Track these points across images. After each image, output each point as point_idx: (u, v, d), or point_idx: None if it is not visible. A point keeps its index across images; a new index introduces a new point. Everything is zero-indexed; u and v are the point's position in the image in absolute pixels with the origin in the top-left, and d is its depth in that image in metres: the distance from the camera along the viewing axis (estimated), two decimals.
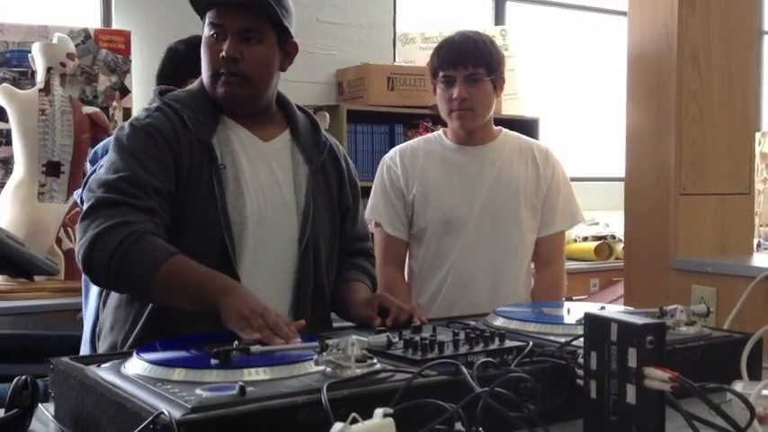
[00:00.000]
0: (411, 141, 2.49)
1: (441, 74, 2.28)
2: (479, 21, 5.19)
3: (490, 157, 2.36)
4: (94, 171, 2.02)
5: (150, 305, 1.66)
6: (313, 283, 1.79)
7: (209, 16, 1.75)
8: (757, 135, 5.02)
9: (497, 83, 2.31)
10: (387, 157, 2.46)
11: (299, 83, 4.44)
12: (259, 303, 1.46)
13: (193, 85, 1.85)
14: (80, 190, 2.16)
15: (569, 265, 4.38)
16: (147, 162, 1.66)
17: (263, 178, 1.77)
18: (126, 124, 1.75)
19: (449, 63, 2.26)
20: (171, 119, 1.73)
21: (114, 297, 1.76)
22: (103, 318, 1.79)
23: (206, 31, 1.76)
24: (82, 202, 1.85)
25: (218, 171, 1.71)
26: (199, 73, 1.81)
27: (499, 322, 1.61)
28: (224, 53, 1.71)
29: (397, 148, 2.46)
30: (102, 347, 1.77)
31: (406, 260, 2.43)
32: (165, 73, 2.45)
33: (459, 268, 2.30)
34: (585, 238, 4.58)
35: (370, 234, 2.12)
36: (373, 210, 2.40)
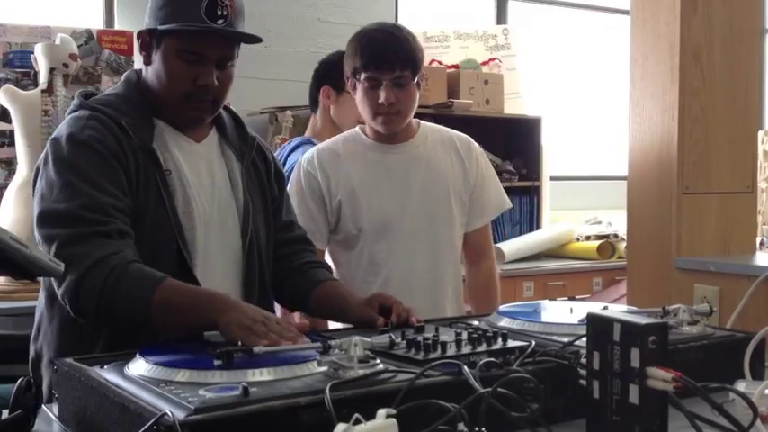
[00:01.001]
0: (327, 142, 2.32)
1: (364, 75, 2.13)
2: (481, 20, 5.19)
3: (415, 154, 2.24)
4: None
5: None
6: (258, 277, 1.80)
7: (182, 41, 1.68)
8: (760, 133, 5.01)
9: (419, 82, 2.19)
10: (302, 160, 2.27)
11: (301, 83, 4.44)
12: (258, 312, 1.45)
13: (119, 88, 1.78)
14: None
15: (572, 264, 4.41)
16: (99, 181, 1.59)
17: (203, 180, 1.76)
18: (62, 140, 1.64)
19: (374, 65, 2.12)
20: (109, 127, 1.66)
21: (61, 320, 1.67)
22: (44, 341, 1.71)
23: (173, 54, 1.69)
24: None
25: (163, 177, 1.68)
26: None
27: (502, 322, 1.61)
28: (203, 81, 1.69)
29: (313, 150, 2.29)
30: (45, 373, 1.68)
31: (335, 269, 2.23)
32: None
33: (397, 274, 2.17)
34: (588, 238, 4.57)
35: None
36: None
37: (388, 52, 2.12)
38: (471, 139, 2.36)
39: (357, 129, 2.30)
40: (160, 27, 1.68)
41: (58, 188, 1.59)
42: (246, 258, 1.78)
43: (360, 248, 2.20)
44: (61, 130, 1.68)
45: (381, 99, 2.11)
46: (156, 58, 1.72)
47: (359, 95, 2.18)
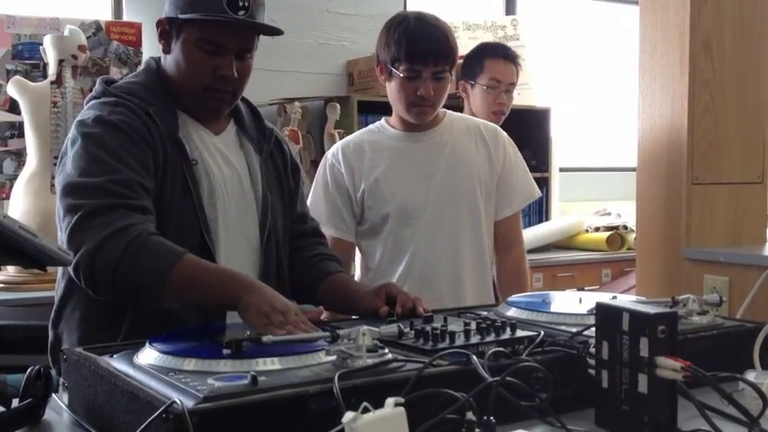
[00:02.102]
0: (353, 135, 2.35)
1: (404, 66, 2.13)
2: (490, 10, 5.17)
3: (439, 141, 2.25)
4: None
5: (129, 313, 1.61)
6: (276, 270, 1.81)
7: (202, 31, 1.67)
8: None
9: (453, 73, 2.21)
10: (329, 154, 2.30)
11: (310, 74, 4.45)
12: (280, 300, 1.45)
13: (141, 76, 1.77)
14: None
15: (582, 255, 4.40)
16: (128, 160, 1.59)
17: (224, 172, 1.76)
18: (89, 120, 1.65)
19: (417, 58, 2.12)
20: (137, 113, 1.66)
21: (85, 309, 1.67)
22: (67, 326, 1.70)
23: (193, 44, 1.68)
24: None
25: (190, 167, 1.68)
26: None
27: (510, 312, 1.61)
28: (223, 72, 1.69)
29: (338, 143, 2.33)
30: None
31: (357, 260, 2.34)
32: None
33: (420, 260, 2.20)
34: (597, 229, 4.56)
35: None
36: (313, 212, 2.18)
37: (431, 46, 2.12)
38: (498, 127, 2.36)
39: (382, 121, 2.31)
40: (181, 16, 1.68)
41: (86, 162, 1.59)
42: (265, 250, 1.79)
43: (384, 236, 2.22)
44: (88, 113, 1.68)
45: (421, 92, 2.13)
46: (176, 47, 1.72)
47: (394, 85, 2.18)
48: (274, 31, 1.75)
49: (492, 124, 2.38)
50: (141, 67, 1.82)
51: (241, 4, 1.66)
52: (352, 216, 2.24)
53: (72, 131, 1.67)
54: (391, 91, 2.20)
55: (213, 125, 1.80)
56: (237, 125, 1.86)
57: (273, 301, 1.43)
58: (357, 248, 2.30)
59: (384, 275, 2.19)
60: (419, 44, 2.12)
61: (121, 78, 1.83)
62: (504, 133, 2.35)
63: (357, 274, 2.33)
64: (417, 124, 2.23)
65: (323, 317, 1.69)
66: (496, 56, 2.91)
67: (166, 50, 1.75)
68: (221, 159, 1.78)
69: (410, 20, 2.18)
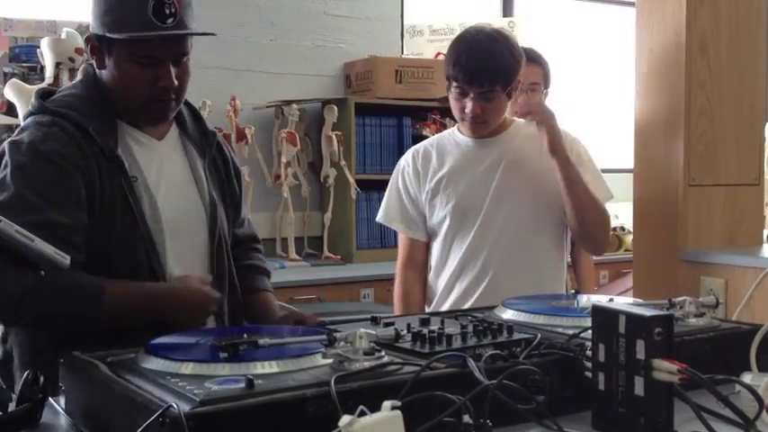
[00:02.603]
0: (426, 140, 2.47)
1: (454, 84, 2.21)
2: (487, 12, 5.18)
3: (503, 147, 2.31)
4: None
5: None
6: (227, 273, 1.82)
7: (133, 47, 1.63)
8: (767, 125, 4.99)
9: (513, 89, 2.24)
10: (402, 158, 2.44)
11: (307, 76, 4.45)
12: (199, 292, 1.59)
13: (78, 88, 1.73)
14: None
15: None
16: (55, 198, 1.55)
17: (167, 179, 1.74)
18: (23, 147, 1.59)
19: (464, 78, 2.17)
20: (72, 135, 1.62)
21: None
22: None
23: (127, 60, 1.65)
24: None
25: (130, 185, 1.65)
26: None
27: (507, 315, 1.61)
28: (163, 83, 1.66)
29: (412, 148, 2.45)
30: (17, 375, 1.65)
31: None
32: None
33: (471, 262, 2.27)
34: None
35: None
36: (387, 214, 2.42)
37: (478, 68, 2.15)
38: (568, 131, 2.36)
39: (455, 127, 2.40)
40: (109, 35, 1.63)
41: (9, 197, 1.54)
42: (216, 257, 1.79)
43: (442, 236, 2.32)
44: (22, 135, 1.63)
45: (467, 109, 2.20)
46: (110, 63, 1.67)
47: (450, 98, 2.26)
48: (206, 34, 1.75)
49: (561, 128, 2.36)
50: (79, 77, 1.78)
51: (168, 11, 1.62)
52: (421, 216, 2.36)
53: (6, 150, 1.62)
54: (450, 103, 2.29)
55: (155, 130, 1.76)
56: (180, 128, 1.83)
57: (196, 296, 1.52)
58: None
59: (439, 274, 2.34)
60: (467, 64, 2.16)
61: (59, 90, 1.78)
62: (571, 135, 2.36)
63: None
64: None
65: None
66: None
67: (101, 66, 1.70)
68: (163, 166, 1.75)
69: (467, 37, 2.23)
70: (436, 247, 2.35)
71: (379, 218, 2.46)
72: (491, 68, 2.16)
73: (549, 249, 2.31)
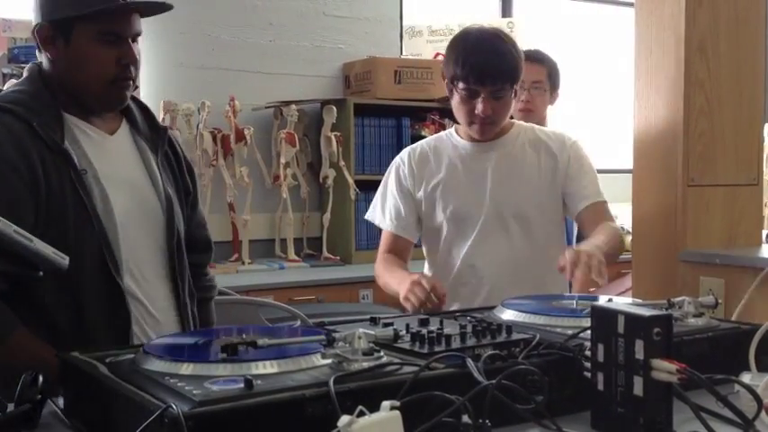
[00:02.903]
0: (423, 141, 2.43)
1: (462, 85, 2.16)
2: (486, 13, 5.18)
3: (502, 152, 2.28)
4: None
5: None
6: (187, 275, 1.81)
7: (100, 23, 1.66)
8: (766, 125, 4.99)
9: (515, 89, 2.23)
10: (397, 157, 2.40)
11: (307, 77, 4.45)
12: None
13: (25, 84, 1.72)
14: None
15: None
16: None
17: (120, 174, 1.72)
18: None
19: (474, 79, 2.13)
20: (15, 132, 1.61)
21: None
22: None
23: (93, 39, 1.66)
24: None
25: (79, 178, 1.63)
26: None
27: (506, 315, 1.61)
28: (127, 60, 1.68)
29: (408, 148, 2.41)
30: None
31: (424, 267, 2.38)
32: None
33: (469, 269, 2.25)
34: None
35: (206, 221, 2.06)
36: (376, 209, 2.38)
37: (489, 67, 2.12)
38: (566, 133, 2.35)
39: (453, 129, 2.36)
40: (76, 14, 1.64)
41: None
42: (177, 254, 1.77)
43: (440, 243, 2.29)
44: None
45: (478, 110, 2.15)
46: (71, 48, 1.67)
47: (455, 101, 2.21)
48: (166, 7, 1.79)
49: (559, 132, 2.38)
50: (25, 75, 1.77)
51: None
52: (414, 216, 2.32)
53: None
54: (453, 106, 2.25)
55: (104, 125, 1.75)
56: (130, 124, 1.81)
57: None
58: (424, 248, 2.38)
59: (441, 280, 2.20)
60: (476, 64, 2.12)
61: (5, 88, 1.78)
62: (572, 139, 2.33)
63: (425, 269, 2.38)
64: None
65: None
66: None
67: (56, 55, 1.69)
68: (115, 161, 1.73)
69: (471, 37, 2.19)
70: (435, 252, 2.33)
71: (370, 216, 2.41)
72: (502, 66, 2.14)
73: (548, 254, 2.23)
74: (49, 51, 1.69)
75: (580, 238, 2.98)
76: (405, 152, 2.39)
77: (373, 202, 2.41)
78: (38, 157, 1.60)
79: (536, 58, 3.07)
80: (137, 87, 1.79)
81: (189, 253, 1.86)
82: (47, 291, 1.60)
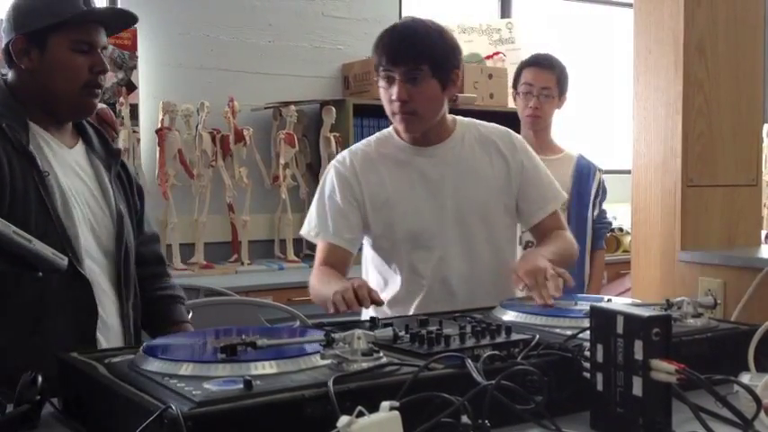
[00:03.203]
0: (361, 144, 2.18)
1: (380, 70, 2.00)
2: (485, 14, 5.18)
3: (450, 157, 2.09)
4: None
5: None
6: (132, 286, 1.86)
7: (72, 32, 1.75)
8: (765, 126, 4.99)
9: (447, 81, 2.01)
10: (335, 162, 2.14)
11: (306, 77, 4.45)
12: None
13: None
14: None
15: None
16: None
17: (77, 185, 1.79)
18: None
19: (387, 60, 1.98)
20: None
21: None
22: None
23: (68, 49, 1.75)
24: None
25: (42, 179, 1.70)
26: None
27: (505, 315, 1.61)
28: (99, 68, 1.78)
29: (346, 151, 2.17)
30: None
31: (378, 277, 2.15)
32: None
33: (436, 284, 2.05)
34: None
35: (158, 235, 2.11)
36: (313, 219, 2.11)
37: (401, 45, 1.98)
38: (512, 131, 2.22)
39: (390, 129, 2.17)
40: (53, 21, 1.72)
41: None
42: (124, 263, 1.83)
43: (398, 262, 2.08)
44: None
45: (392, 95, 1.99)
46: (45, 58, 1.75)
47: (381, 93, 2.05)
48: (130, 19, 1.91)
49: (505, 130, 2.21)
50: None
51: (93, 1, 1.80)
52: (360, 227, 2.08)
53: None
54: (382, 101, 2.08)
55: (64, 139, 1.83)
56: (86, 144, 1.89)
57: None
58: (372, 265, 2.16)
59: (405, 298, 2.07)
60: (389, 43, 1.99)
61: None
62: (517, 136, 2.21)
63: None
64: (425, 138, 2.08)
65: None
66: (529, 64, 3.08)
67: (29, 66, 1.76)
68: (73, 172, 1.80)
69: (397, 24, 2.08)
70: (393, 275, 2.10)
71: (306, 231, 2.14)
72: (416, 45, 1.97)
73: (506, 258, 2.14)
74: (23, 63, 1.77)
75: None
76: (343, 157, 2.14)
77: (310, 215, 2.14)
78: (4, 156, 1.67)
79: (546, 64, 3.06)
80: (102, 96, 1.89)
81: (142, 266, 1.94)
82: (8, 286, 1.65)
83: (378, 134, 2.20)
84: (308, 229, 2.13)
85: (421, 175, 2.09)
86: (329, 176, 2.13)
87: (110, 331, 1.77)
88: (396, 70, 1.97)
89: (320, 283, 2.00)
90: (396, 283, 2.10)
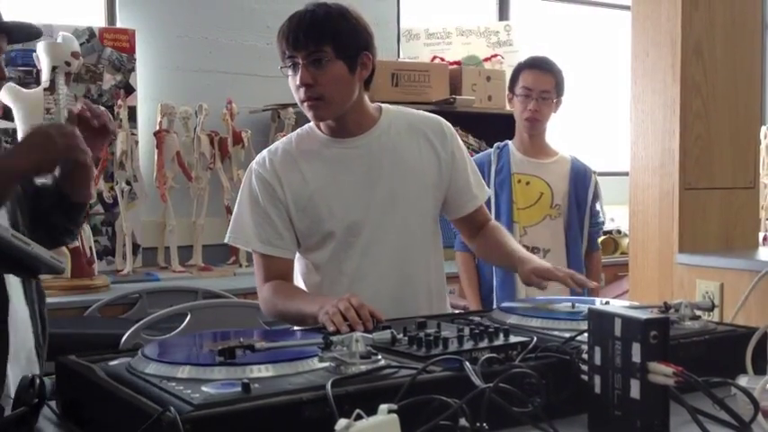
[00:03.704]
0: (280, 141, 2.07)
1: (286, 58, 1.92)
2: (483, 16, 5.19)
3: (376, 146, 1.99)
4: None
5: None
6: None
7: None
8: (762, 129, 5.00)
9: (355, 63, 1.93)
10: (254, 164, 2.03)
11: None
12: None
13: None
14: None
15: None
16: None
17: None
18: None
19: (288, 44, 1.90)
20: None
21: None
22: None
23: None
24: None
25: None
26: None
27: (503, 318, 1.62)
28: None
29: (264, 152, 2.04)
30: None
31: (298, 277, 2.05)
32: None
33: (365, 279, 1.96)
34: None
35: None
36: (240, 229, 2.00)
37: (300, 28, 1.88)
38: (443, 120, 2.11)
39: (311, 123, 2.04)
40: None
41: None
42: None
43: (322, 257, 1.98)
44: None
45: (297, 81, 1.89)
46: None
47: (289, 82, 1.95)
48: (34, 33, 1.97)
49: (436, 118, 2.11)
50: None
51: None
52: (290, 230, 1.97)
53: None
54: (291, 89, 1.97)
55: None
56: None
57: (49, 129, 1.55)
58: (299, 264, 2.05)
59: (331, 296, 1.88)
60: (290, 28, 1.90)
61: None
62: (448, 125, 2.10)
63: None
64: (346, 128, 1.98)
65: None
66: (528, 67, 3.06)
67: None
68: None
69: (298, 10, 1.94)
70: (314, 269, 2.01)
71: (230, 239, 2.03)
72: (317, 26, 1.88)
73: (435, 256, 2.09)
74: None
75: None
76: (262, 158, 2.02)
77: (238, 222, 2.02)
78: None
79: (545, 67, 3.06)
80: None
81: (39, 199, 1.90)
82: None
83: (299, 130, 2.09)
84: (235, 237, 2.02)
85: (347, 168, 1.98)
86: (248, 181, 2.03)
87: (18, 320, 1.69)
88: (298, 55, 1.89)
89: (283, 299, 1.91)
90: (316, 279, 2.01)
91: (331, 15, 1.91)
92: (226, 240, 2.04)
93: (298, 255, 2.03)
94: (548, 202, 3.05)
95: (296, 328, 1.71)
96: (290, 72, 1.93)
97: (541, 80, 3.02)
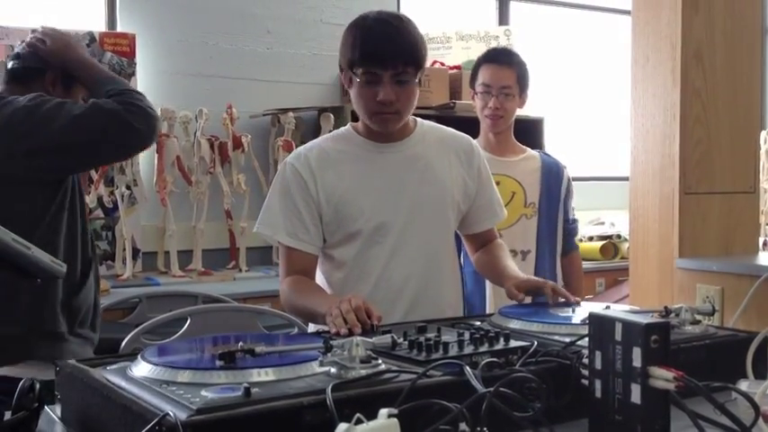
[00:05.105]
0: (318, 140, 2.15)
1: (361, 69, 1.93)
2: (483, 21, 5.19)
3: (411, 153, 2.06)
4: None
5: None
6: None
7: None
8: (762, 134, 5.01)
9: (421, 79, 2.00)
10: (289, 159, 2.07)
11: (304, 84, 4.46)
12: None
13: None
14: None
15: None
16: None
17: None
18: None
19: (374, 60, 1.92)
20: None
21: None
22: None
23: None
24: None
25: None
26: None
27: (504, 322, 1.61)
28: None
29: (301, 149, 2.10)
30: None
31: (321, 275, 2.09)
32: None
33: (387, 281, 2.01)
34: (591, 238, 4.57)
35: None
36: (268, 219, 2.03)
37: (389, 45, 1.92)
38: (472, 139, 2.21)
39: (349, 126, 2.11)
40: None
41: None
42: None
43: (349, 254, 2.03)
44: None
45: (380, 97, 1.92)
46: None
47: (355, 91, 1.98)
48: None
49: (466, 137, 2.19)
50: None
51: None
52: (318, 226, 2.02)
53: None
54: (353, 98, 2.00)
55: None
56: None
57: None
58: (323, 260, 2.08)
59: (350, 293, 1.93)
60: (376, 44, 1.93)
61: None
62: (476, 144, 2.19)
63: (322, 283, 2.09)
64: (387, 134, 2.04)
65: None
66: (487, 61, 2.89)
67: None
68: None
69: (369, 19, 1.98)
70: (339, 267, 2.05)
71: (259, 227, 2.05)
72: (404, 46, 1.92)
73: (453, 260, 2.17)
74: None
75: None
76: (299, 154, 2.07)
77: (263, 213, 2.06)
78: None
79: (505, 60, 2.86)
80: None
81: None
82: None
83: (335, 132, 2.16)
84: (264, 227, 2.05)
85: (380, 171, 2.04)
86: (282, 176, 2.06)
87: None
88: (384, 73, 1.92)
89: (298, 295, 1.96)
90: (340, 276, 2.04)
91: (413, 35, 1.96)
92: (255, 230, 2.08)
93: (321, 253, 2.07)
94: (521, 202, 2.87)
95: (296, 331, 1.72)
96: (361, 80, 1.94)
97: (501, 75, 2.83)
